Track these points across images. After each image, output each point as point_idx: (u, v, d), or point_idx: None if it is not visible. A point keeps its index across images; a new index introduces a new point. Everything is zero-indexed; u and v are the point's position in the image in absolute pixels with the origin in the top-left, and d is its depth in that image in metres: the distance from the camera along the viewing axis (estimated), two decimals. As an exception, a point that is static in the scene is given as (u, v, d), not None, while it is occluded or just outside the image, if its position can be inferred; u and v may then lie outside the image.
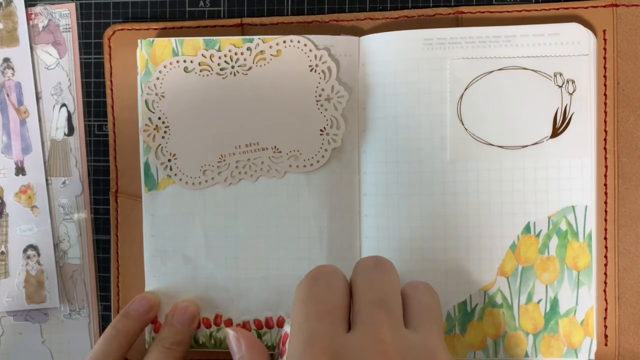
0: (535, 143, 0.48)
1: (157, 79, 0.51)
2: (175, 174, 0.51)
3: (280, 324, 0.51)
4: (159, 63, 0.51)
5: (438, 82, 0.49)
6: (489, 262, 0.49)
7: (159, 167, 0.51)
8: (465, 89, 0.49)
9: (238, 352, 0.44)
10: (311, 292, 0.38)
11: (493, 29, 0.48)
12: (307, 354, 0.33)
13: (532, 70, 0.48)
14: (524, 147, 0.48)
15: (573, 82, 0.48)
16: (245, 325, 0.51)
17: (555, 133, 0.48)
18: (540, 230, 0.48)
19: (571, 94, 0.48)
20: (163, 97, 0.51)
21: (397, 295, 0.39)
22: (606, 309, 0.49)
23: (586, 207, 0.48)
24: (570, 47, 0.48)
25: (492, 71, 0.48)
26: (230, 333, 0.44)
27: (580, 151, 0.48)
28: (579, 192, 0.48)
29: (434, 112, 0.49)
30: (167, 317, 0.51)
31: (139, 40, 0.51)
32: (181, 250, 0.51)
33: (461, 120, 0.49)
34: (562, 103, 0.48)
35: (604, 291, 0.49)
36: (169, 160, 0.51)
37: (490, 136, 0.48)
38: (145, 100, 0.51)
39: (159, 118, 0.51)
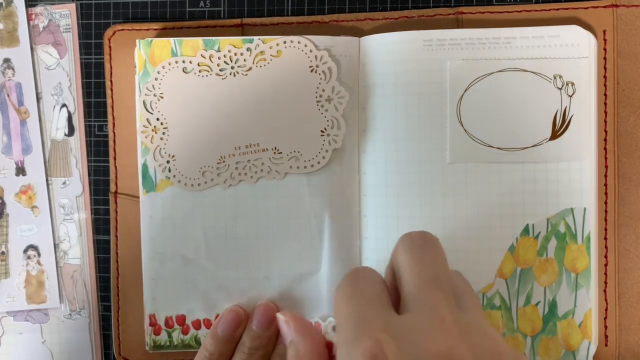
0: (535, 145, 0.48)
1: (156, 79, 0.51)
2: (174, 176, 0.51)
3: None
4: (158, 63, 0.51)
5: (438, 83, 0.49)
6: (488, 263, 0.49)
7: (158, 169, 0.51)
8: (465, 91, 0.49)
9: (288, 336, 0.42)
10: (352, 287, 0.36)
11: (493, 31, 0.48)
12: (364, 337, 0.31)
13: (532, 72, 0.48)
14: (523, 149, 0.48)
15: (573, 84, 0.48)
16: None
17: (555, 135, 0.48)
18: (539, 232, 0.48)
19: (571, 96, 0.48)
20: (162, 97, 0.51)
21: (449, 273, 0.37)
22: (606, 309, 0.49)
23: (585, 209, 0.48)
24: (570, 49, 0.48)
25: (491, 73, 0.48)
26: (280, 317, 0.43)
27: (579, 153, 0.48)
28: (578, 194, 0.48)
29: (433, 113, 0.49)
30: (213, 325, 0.50)
31: (137, 40, 0.51)
32: (180, 251, 0.51)
33: (461, 122, 0.49)
34: (562, 105, 0.48)
35: (604, 291, 0.49)
36: (168, 162, 0.51)
37: (489, 138, 0.48)
38: (144, 101, 0.51)
39: (158, 119, 0.51)
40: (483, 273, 0.49)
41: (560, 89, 0.48)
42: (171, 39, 0.51)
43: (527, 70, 0.48)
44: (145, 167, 0.51)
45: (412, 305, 0.34)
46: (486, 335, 0.32)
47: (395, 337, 0.31)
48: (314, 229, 0.50)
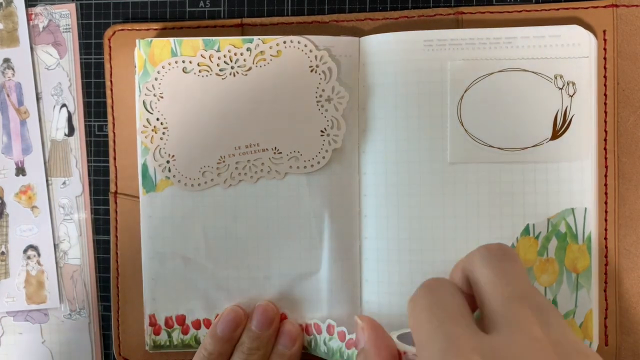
0: (535, 145, 0.48)
1: (156, 79, 0.51)
2: (174, 176, 0.51)
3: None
4: (158, 63, 0.51)
5: (438, 83, 0.49)
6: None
7: (157, 169, 0.51)
8: (466, 91, 0.49)
9: (361, 342, 0.41)
10: (432, 299, 0.34)
11: (493, 31, 0.48)
12: (454, 358, 0.30)
13: (533, 72, 0.48)
14: (523, 149, 0.48)
15: (573, 84, 0.48)
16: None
17: (556, 135, 0.48)
18: (540, 232, 0.48)
19: (571, 96, 0.48)
20: (161, 97, 0.51)
21: (533, 287, 0.35)
22: (606, 309, 0.49)
23: (586, 209, 0.48)
24: (570, 49, 0.48)
25: (492, 73, 0.48)
26: (357, 321, 0.41)
27: (580, 153, 0.48)
28: (579, 194, 0.48)
29: (434, 113, 0.49)
30: (212, 327, 0.50)
31: (137, 40, 0.51)
32: (180, 251, 0.51)
33: (461, 122, 0.48)
34: (563, 105, 0.48)
35: (604, 291, 0.49)
36: (168, 162, 0.51)
37: (490, 138, 0.48)
38: (144, 101, 0.51)
39: (157, 119, 0.51)
40: (483, 273, 0.49)
41: (561, 88, 0.48)
42: (171, 39, 0.51)
43: (527, 70, 0.48)
44: (145, 167, 0.51)
45: (500, 323, 0.32)
46: (581, 352, 0.31)
47: (491, 358, 0.30)
48: (313, 229, 0.50)
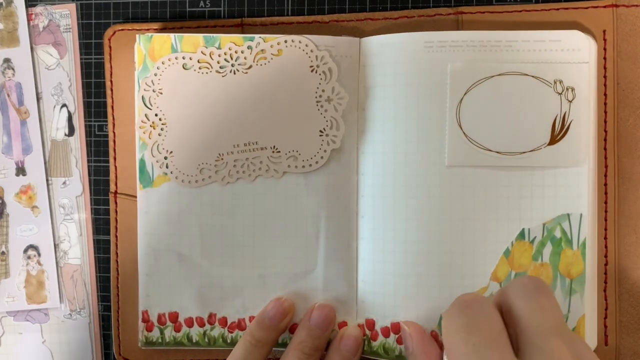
0: (533, 150, 0.48)
1: (155, 75, 0.51)
2: (172, 172, 0.51)
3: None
4: (157, 59, 0.51)
5: (438, 85, 0.49)
6: (483, 266, 0.48)
7: (155, 165, 0.51)
8: (465, 93, 0.48)
9: (409, 347, 0.43)
10: (468, 320, 0.35)
11: (494, 34, 0.48)
12: None
13: (532, 76, 0.48)
14: (521, 153, 0.48)
15: (573, 89, 0.48)
16: (240, 323, 0.51)
17: (554, 140, 0.48)
18: (535, 237, 0.48)
19: (570, 102, 0.48)
20: (161, 93, 0.51)
21: (565, 321, 0.37)
22: (606, 309, 0.49)
23: (581, 215, 0.48)
24: (571, 54, 0.48)
25: (492, 76, 0.48)
26: (405, 328, 0.43)
27: (577, 159, 0.48)
28: (575, 200, 0.48)
29: (433, 115, 0.49)
30: (304, 319, 0.50)
31: (137, 36, 0.51)
32: (176, 248, 0.51)
33: (460, 125, 0.48)
34: (561, 110, 0.48)
35: (604, 291, 0.49)
36: (165, 158, 0.51)
37: (488, 141, 0.48)
38: (142, 96, 0.51)
39: (156, 115, 0.51)
40: (477, 276, 0.48)
41: (560, 94, 0.48)
42: (171, 35, 0.51)
43: (527, 74, 0.48)
44: (142, 162, 0.51)
45: (536, 354, 0.33)
46: None
47: None
48: (310, 228, 0.50)
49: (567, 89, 0.48)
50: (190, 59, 0.50)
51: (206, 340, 0.52)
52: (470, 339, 0.34)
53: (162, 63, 0.51)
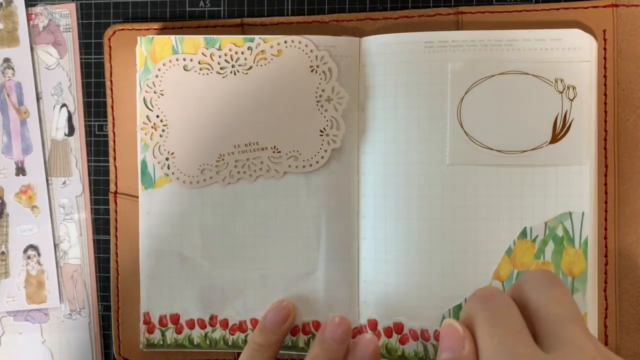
0: (535, 148, 0.48)
1: (156, 76, 0.51)
2: (173, 173, 0.51)
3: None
4: (159, 60, 0.51)
5: (439, 84, 0.49)
6: (485, 265, 0.48)
7: (157, 166, 0.51)
8: (466, 93, 0.48)
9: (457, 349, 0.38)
10: (491, 313, 0.35)
11: (495, 33, 0.48)
12: None
13: (533, 75, 0.48)
14: (523, 152, 0.48)
15: (574, 88, 0.48)
16: (241, 325, 0.51)
17: (555, 139, 0.48)
18: (537, 236, 0.48)
19: (572, 100, 0.48)
20: (162, 94, 0.51)
21: (579, 310, 0.36)
22: (606, 309, 0.49)
23: (583, 213, 0.48)
24: (572, 52, 0.48)
25: (493, 75, 0.48)
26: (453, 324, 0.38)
27: (579, 158, 0.48)
28: (577, 198, 0.48)
29: (434, 114, 0.49)
30: (319, 332, 0.47)
31: (138, 37, 0.51)
32: (177, 249, 0.51)
33: (461, 124, 0.48)
34: (562, 109, 0.48)
35: (604, 291, 0.49)
36: (167, 159, 0.51)
37: (489, 140, 0.48)
38: (144, 98, 0.51)
39: (157, 116, 0.51)
40: (480, 275, 0.48)
41: (561, 92, 0.48)
42: (172, 37, 0.51)
43: (528, 73, 0.48)
44: (144, 163, 0.51)
45: (558, 343, 0.34)
46: None
47: None
48: (311, 228, 0.50)
49: (568, 88, 0.48)
50: (191, 60, 0.51)
51: (207, 342, 0.52)
52: (495, 331, 0.34)
53: (163, 65, 0.51)
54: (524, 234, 0.48)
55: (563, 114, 0.48)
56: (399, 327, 0.49)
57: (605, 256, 0.49)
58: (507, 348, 0.33)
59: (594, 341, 0.34)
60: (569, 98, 0.48)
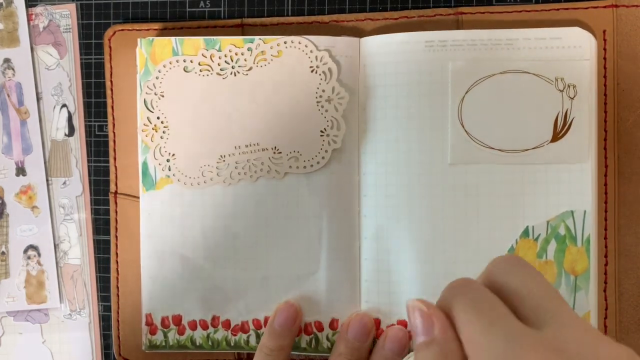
0: (536, 147, 0.48)
1: (157, 78, 0.51)
2: (174, 174, 0.51)
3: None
4: (159, 62, 0.51)
5: (439, 84, 0.49)
6: (487, 265, 0.48)
7: (157, 167, 0.51)
8: (467, 92, 0.48)
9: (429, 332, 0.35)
10: (472, 298, 0.34)
11: (495, 32, 0.48)
12: (526, 353, 0.30)
13: (534, 74, 0.48)
14: (524, 150, 0.48)
15: (574, 86, 0.48)
16: (243, 326, 0.51)
17: (556, 137, 0.48)
18: (539, 234, 0.48)
19: (572, 99, 0.48)
20: (162, 96, 0.51)
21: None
22: (606, 309, 0.49)
23: (585, 212, 0.48)
24: (572, 51, 0.48)
25: (493, 74, 0.48)
26: (416, 306, 0.36)
27: (580, 156, 0.48)
28: (578, 196, 0.48)
29: (434, 114, 0.49)
30: (342, 331, 0.49)
31: (138, 39, 0.51)
32: (179, 250, 0.51)
33: (462, 123, 0.48)
34: (563, 107, 0.48)
35: (604, 291, 0.49)
36: (168, 161, 0.51)
37: (490, 139, 0.48)
38: (144, 100, 0.51)
39: (158, 117, 0.51)
40: (482, 274, 0.49)
41: (562, 91, 0.48)
42: (172, 38, 0.51)
43: (528, 72, 0.48)
44: (145, 165, 0.51)
45: (548, 319, 0.32)
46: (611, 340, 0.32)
47: (557, 351, 0.30)
48: (313, 229, 0.50)
49: (569, 86, 0.48)
50: (191, 61, 0.51)
51: (210, 343, 0.52)
52: (481, 315, 0.32)
53: (164, 66, 0.51)
54: (526, 233, 0.48)
55: (564, 113, 0.48)
56: (402, 325, 0.49)
57: (605, 256, 0.49)
58: (499, 329, 0.31)
59: (578, 315, 0.33)
60: (569, 96, 0.48)
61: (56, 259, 0.56)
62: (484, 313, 0.33)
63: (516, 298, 0.34)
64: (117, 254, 0.54)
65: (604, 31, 0.49)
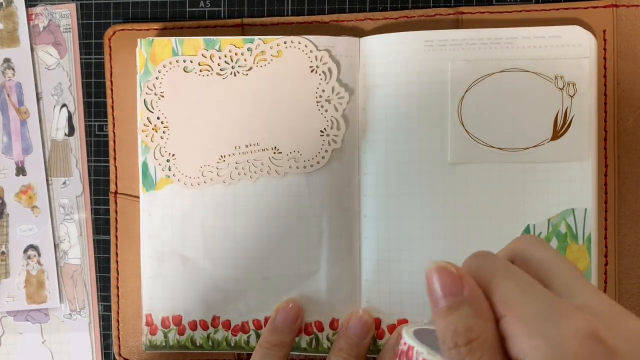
0: (536, 145, 0.48)
1: (157, 78, 0.51)
2: (174, 174, 0.51)
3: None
4: (159, 62, 0.51)
5: (439, 83, 0.49)
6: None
7: (158, 167, 0.51)
8: (466, 91, 0.49)
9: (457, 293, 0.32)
10: (503, 266, 0.34)
11: (494, 31, 0.48)
12: (568, 315, 0.29)
13: (533, 72, 0.48)
14: (524, 149, 0.48)
15: (574, 84, 0.48)
16: (243, 326, 0.51)
17: (556, 136, 0.48)
18: (540, 233, 0.48)
19: (572, 97, 0.48)
20: (162, 96, 0.51)
21: None
22: (606, 309, 0.49)
23: (586, 210, 0.48)
24: (571, 49, 0.48)
25: (493, 73, 0.48)
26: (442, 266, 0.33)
27: (580, 154, 0.48)
28: (579, 194, 0.48)
29: (434, 113, 0.49)
30: (342, 327, 0.50)
31: (138, 40, 0.51)
32: (179, 250, 0.51)
33: (462, 122, 0.48)
34: (563, 106, 0.48)
35: (604, 291, 0.49)
36: (168, 161, 0.51)
37: (490, 138, 0.48)
38: (144, 100, 0.51)
39: (158, 118, 0.51)
40: (483, 273, 0.49)
41: (562, 89, 0.48)
42: (172, 38, 0.51)
43: (528, 71, 0.48)
44: (145, 165, 0.51)
45: (577, 290, 0.32)
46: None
47: (592, 315, 0.30)
48: (313, 229, 0.50)
49: (568, 85, 0.48)
50: (191, 61, 0.51)
51: (210, 343, 0.52)
52: (515, 281, 0.32)
53: (164, 66, 0.51)
54: (527, 231, 0.48)
55: (564, 111, 0.48)
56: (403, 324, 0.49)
57: (605, 256, 0.49)
58: (537, 292, 0.31)
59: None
60: (569, 94, 0.48)
61: (56, 258, 0.56)
62: (519, 276, 0.33)
63: (544, 272, 0.34)
64: (117, 254, 0.54)
65: (604, 31, 0.49)
